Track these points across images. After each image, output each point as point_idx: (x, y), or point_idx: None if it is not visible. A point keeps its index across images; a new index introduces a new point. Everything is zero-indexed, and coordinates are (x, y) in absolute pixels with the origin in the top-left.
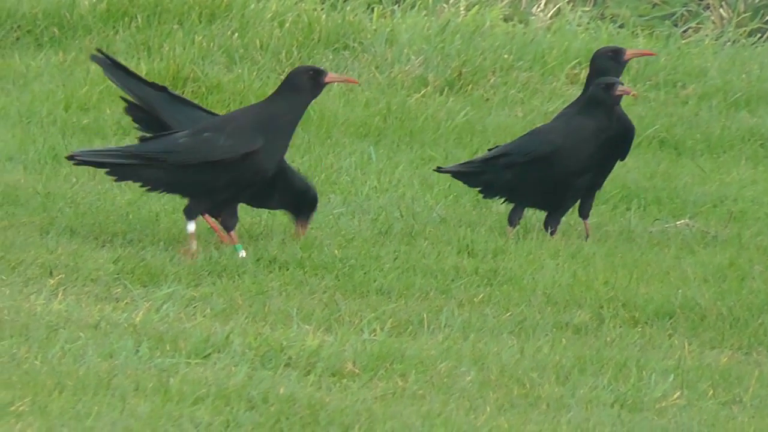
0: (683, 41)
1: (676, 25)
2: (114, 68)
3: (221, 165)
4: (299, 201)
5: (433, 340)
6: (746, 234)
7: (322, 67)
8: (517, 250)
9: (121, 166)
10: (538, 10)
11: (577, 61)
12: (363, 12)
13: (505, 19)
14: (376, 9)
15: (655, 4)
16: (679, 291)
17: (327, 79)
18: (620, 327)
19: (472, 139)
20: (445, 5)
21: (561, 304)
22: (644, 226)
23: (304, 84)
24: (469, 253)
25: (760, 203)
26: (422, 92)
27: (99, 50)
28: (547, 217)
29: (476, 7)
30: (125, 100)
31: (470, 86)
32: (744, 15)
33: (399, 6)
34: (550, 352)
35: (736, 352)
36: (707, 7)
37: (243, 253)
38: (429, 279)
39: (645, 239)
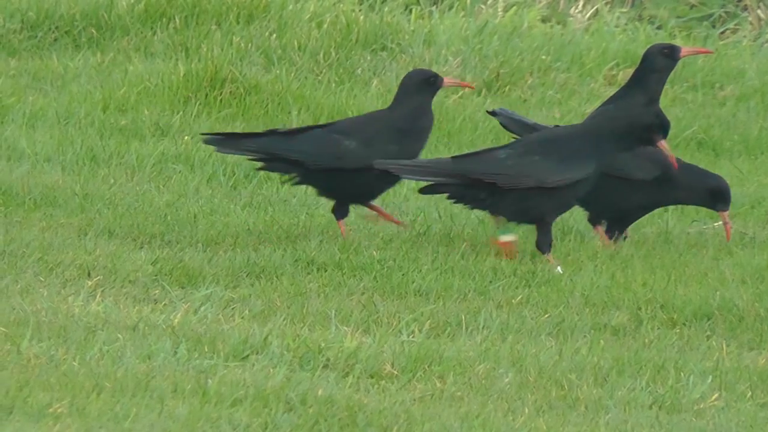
0: (721, 42)
1: (713, 27)
2: (226, 140)
3: (554, 191)
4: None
5: (471, 342)
6: None
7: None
8: (555, 251)
9: (438, 185)
10: (576, 11)
11: (614, 62)
12: (401, 13)
13: (543, 20)
14: (414, 10)
15: (692, 6)
16: (717, 292)
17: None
18: (658, 328)
19: (509, 140)
20: (482, 6)
21: (599, 305)
22: (682, 228)
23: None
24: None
25: None
26: (460, 93)
27: (205, 134)
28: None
29: (514, 8)
30: (253, 159)
31: (508, 87)
32: None
33: (437, 7)
34: (589, 353)
35: None
36: (745, 8)
37: (559, 269)
38: (467, 280)
39: (683, 241)
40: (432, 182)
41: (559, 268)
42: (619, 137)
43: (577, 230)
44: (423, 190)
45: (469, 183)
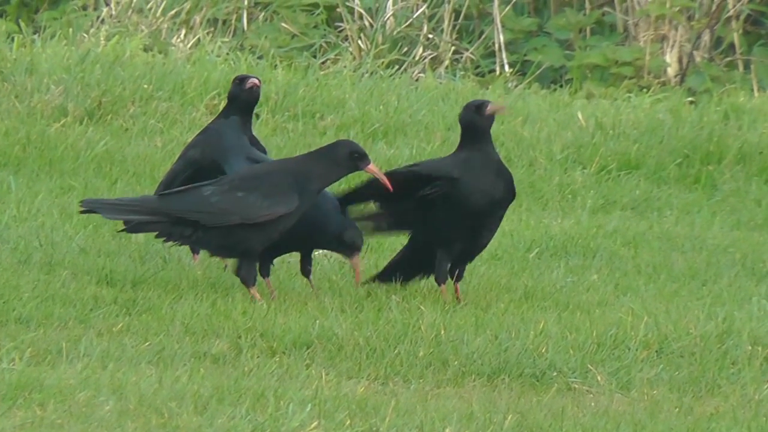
0: (322, 72)
1: (315, 57)
2: None
3: (258, 225)
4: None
5: (72, 370)
6: (382, 263)
7: (366, 153)
8: (156, 280)
9: (144, 223)
10: (178, 40)
11: (216, 91)
12: (3, 41)
13: (146, 49)
14: (16, 38)
15: (294, 36)
16: (317, 321)
17: (366, 168)
18: (258, 357)
19: (112, 169)
20: (85, 35)
21: (199, 333)
22: (283, 257)
23: (344, 160)
24: (108, 282)
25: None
26: (62, 122)
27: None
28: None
29: (116, 37)
30: None
31: (110, 116)
32: (382, 47)
33: (39, 35)
34: (189, 381)
35: (373, 382)
36: (346, 38)
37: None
38: (68, 308)
39: (283, 270)
40: (137, 220)
41: (263, 302)
42: (320, 173)
43: (179, 258)
44: (127, 229)
45: (176, 221)
